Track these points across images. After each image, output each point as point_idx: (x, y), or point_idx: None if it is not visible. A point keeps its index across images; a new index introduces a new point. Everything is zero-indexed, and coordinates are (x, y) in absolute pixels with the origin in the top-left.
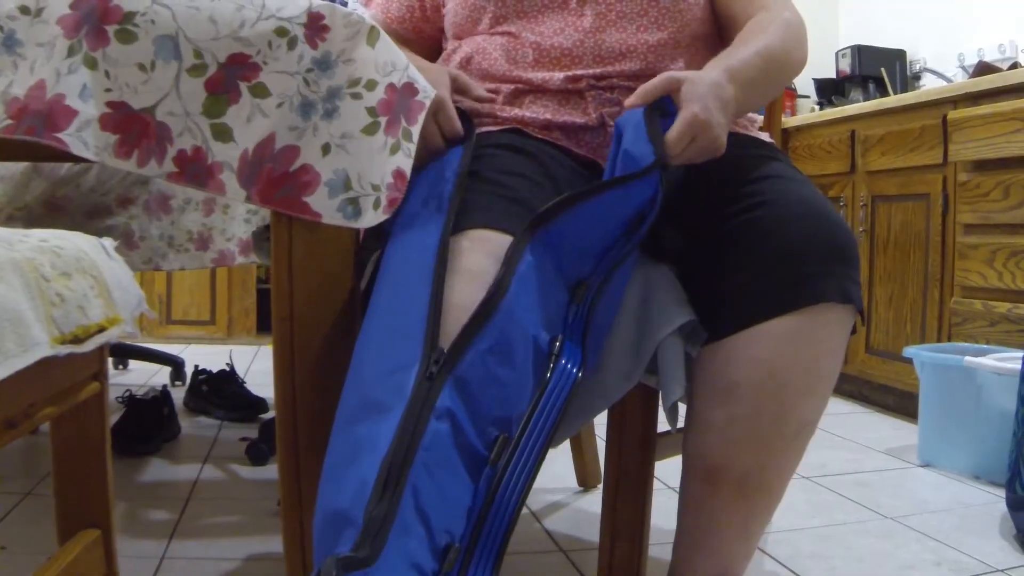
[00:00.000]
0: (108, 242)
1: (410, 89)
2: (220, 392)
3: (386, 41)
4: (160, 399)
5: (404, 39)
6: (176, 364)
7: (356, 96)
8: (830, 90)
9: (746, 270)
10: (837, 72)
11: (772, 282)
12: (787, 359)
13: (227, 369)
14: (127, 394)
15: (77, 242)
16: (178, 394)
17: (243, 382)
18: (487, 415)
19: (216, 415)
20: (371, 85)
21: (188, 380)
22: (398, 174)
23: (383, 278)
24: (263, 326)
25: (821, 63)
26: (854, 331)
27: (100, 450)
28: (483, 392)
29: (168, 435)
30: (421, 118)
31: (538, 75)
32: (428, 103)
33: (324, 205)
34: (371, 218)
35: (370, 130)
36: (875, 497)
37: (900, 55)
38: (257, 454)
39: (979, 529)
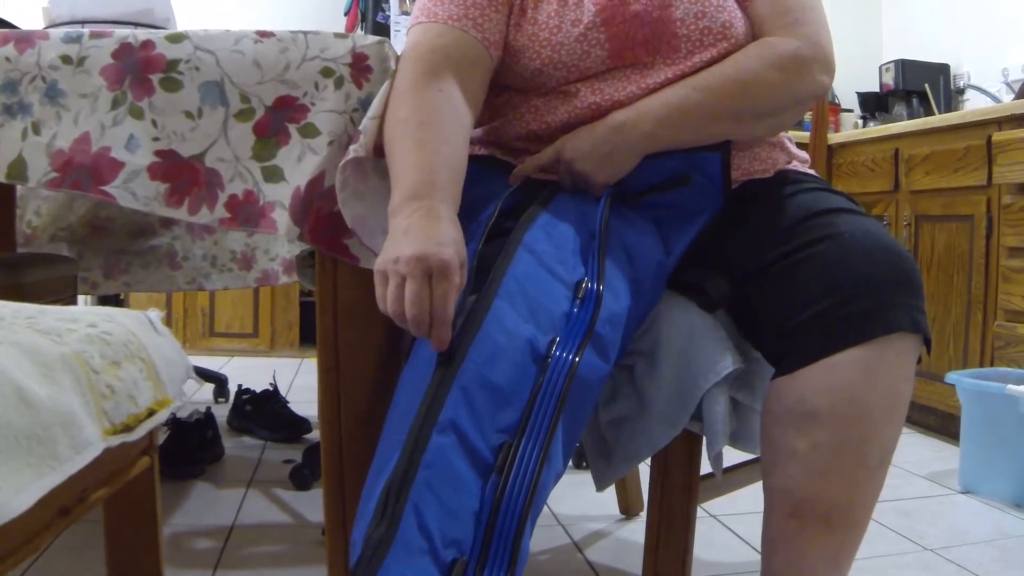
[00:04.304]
0: (155, 314)
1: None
2: (263, 412)
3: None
4: (204, 421)
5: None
6: (220, 381)
7: None
8: (873, 104)
9: (817, 302)
10: (880, 86)
11: (844, 313)
12: (866, 387)
13: (270, 388)
14: (171, 416)
15: (125, 323)
16: (221, 411)
17: (286, 402)
18: (491, 422)
19: (259, 435)
20: None
21: (231, 397)
22: None
23: None
24: (306, 339)
25: (864, 76)
26: (919, 361)
27: (151, 522)
28: (485, 399)
29: (212, 457)
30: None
31: None
32: (343, 163)
33: (361, 249)
34: None
35: None
36: (915, 527)
37: (944, 69)
38: (301, 479)
39: (1020, 562)
